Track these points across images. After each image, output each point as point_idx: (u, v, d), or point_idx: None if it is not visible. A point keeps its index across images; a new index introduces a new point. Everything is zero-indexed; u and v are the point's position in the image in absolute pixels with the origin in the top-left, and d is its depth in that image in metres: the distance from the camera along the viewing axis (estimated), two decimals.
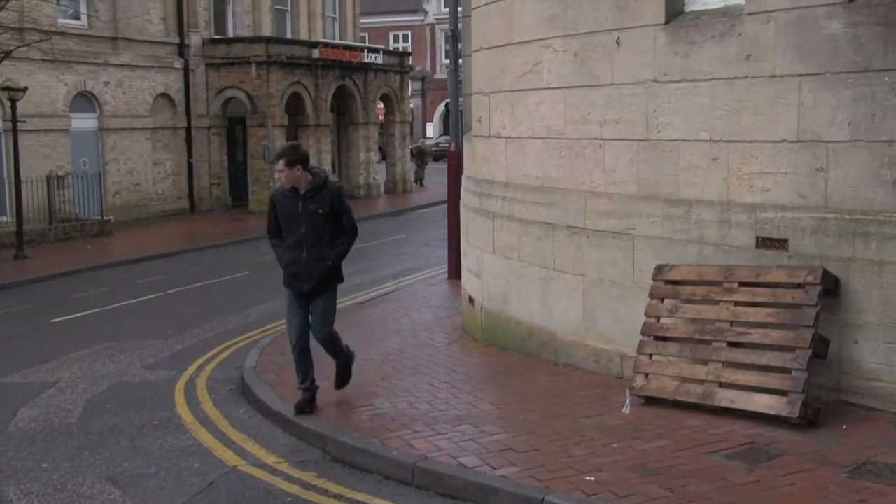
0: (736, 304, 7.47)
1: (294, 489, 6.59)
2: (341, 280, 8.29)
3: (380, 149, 39.40)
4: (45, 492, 6.84)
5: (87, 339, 12.62)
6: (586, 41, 8.80)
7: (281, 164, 7.94)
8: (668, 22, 8.10)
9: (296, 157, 7.96)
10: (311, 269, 7.98)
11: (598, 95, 8.73)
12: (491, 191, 10.36)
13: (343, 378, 8.71)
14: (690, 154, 8.00)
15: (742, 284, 7.47)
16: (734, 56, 7.62)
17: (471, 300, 11.00)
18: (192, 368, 10.67)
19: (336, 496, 6.43)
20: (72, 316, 14.70)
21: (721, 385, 7.33)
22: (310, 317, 8.20)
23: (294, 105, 32.21)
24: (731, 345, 7.41)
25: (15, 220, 21.82)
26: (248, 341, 11.88)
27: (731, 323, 7.46)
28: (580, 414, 7.60)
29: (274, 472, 6.98)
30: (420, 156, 41.97)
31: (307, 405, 8.10)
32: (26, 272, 19.59)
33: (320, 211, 7.95)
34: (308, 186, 8.00)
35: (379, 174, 37.54)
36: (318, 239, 7.99)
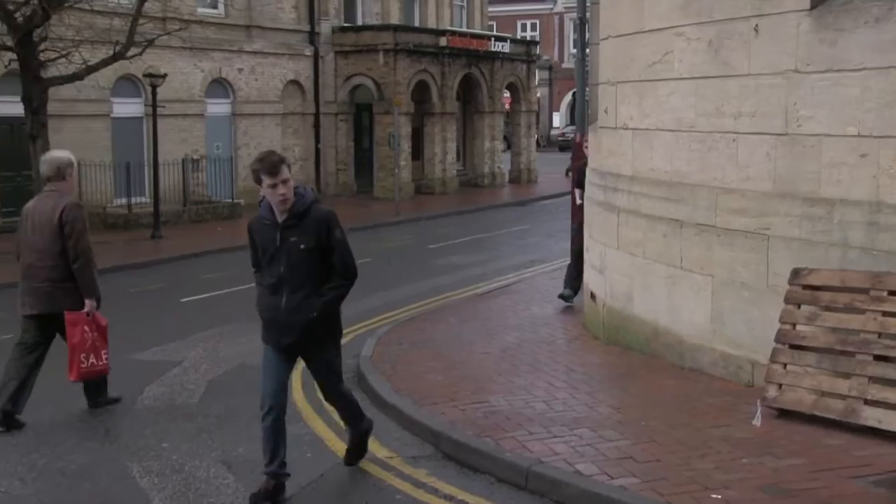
0: (885, 314, 6.89)
1: (404, 486, 6.46)
2: (340, 333, 6.64)
3: (505, 138, 39.20)
4: (163, 472, 6.90)
5: (212, 319, 12.81)
6: (721, 29, 8.40)
7: (286, 171, 6.07)
8: (813, 7, 7.64)
9: (288, 165, 6.15)
10: (290, 319, 6.18)
11: (733, 86, 8.32)
12: (616, 184, 10.05)
13: (359, 450, 6.89)
14: (835, 150, 7.52)
15: (893, 293, 6.91)
16: (890, 43, 7.11)
17: (593, 296, 10.72)
18: None
19: (446, 497, 6.27)
20: (200, 296, 14.99)
21: (866, 402, 6.79)
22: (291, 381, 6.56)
23: (420, 93, 32.28)
24: (879, 358, 6.85)
25: (152, 201, 22.45)
26: (365, 330, 11.85)
27: (879, 335, 6.89)
28: (706, 423, 7.22)
29: (385, 466, 6.87)
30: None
31: (269, 496, 6.15)
32: (161, 252, 20.14)
33: (302, 246, 6.11)
34: (287, 213, 6.14)
35: (503, 163, 37.35)
36: (299, 282, 6.15)
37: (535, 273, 16.09)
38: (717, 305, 8.53)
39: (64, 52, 18.95)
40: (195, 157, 26.34)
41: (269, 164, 6.03)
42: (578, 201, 12.06)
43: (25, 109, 18.91)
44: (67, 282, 7.98)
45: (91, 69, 19.47)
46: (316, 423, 8.04)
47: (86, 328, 8.09)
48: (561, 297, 12.37)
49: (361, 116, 32.99)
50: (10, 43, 18.51)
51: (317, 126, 31.40)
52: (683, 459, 6.40)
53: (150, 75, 21.84)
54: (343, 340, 11.09)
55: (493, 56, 35.40)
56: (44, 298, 8.02)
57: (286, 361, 6.39)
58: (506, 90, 37.48)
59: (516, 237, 22.24)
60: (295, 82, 30.63)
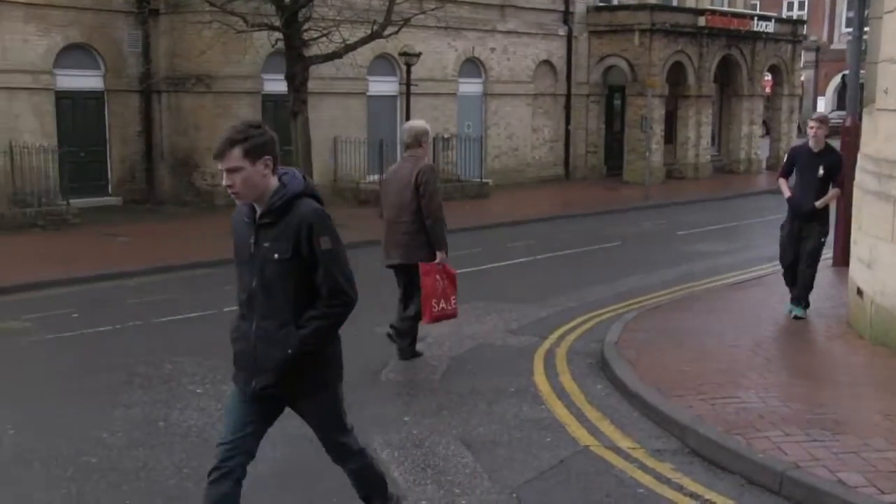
0: None
1: (647, 480, 6.19)
2: (337, 375, 4.94)
3: (764, 123, 37.52)
4: (404, 445, 6.95)
5: (460, 295, 12.86)
6: None
7: (237, 156, 4.42)
8: None
9: (260, 144, 4.46)
10: (258, 352, 4.62)
11: None
12: (893, 172, 9.25)
13: None
14: None
15: None
16: None
17: (859, 292, 9.96)
18: (553, 337, 10.53)
19: (692, 495, 5.95)
20: None
21: None
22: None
23: (675, 74, 31.36)
24: None
25: None
26: (612, 314, 11.55)
27: None
28: None
29: (627, 458, 6.61)
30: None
31: None
32: None
33: (276, 255, 4.52)
34: (264, 206, 4.56)
35: (760, 149, 35.79)
36: (272, 305, 4.58)
37: None
38: None
39: (325, 32, 19.63)
40: (446, 135, 26.75)
41: (219, 144, 4.47)
42: (787, 193, 10.62)
43: (288, 87, 19.74)
44: (422, 235, 8.90)
45: (349, 48, 20.08)
46: (556, 407, 7.88)
47: (437, 277, 8.96)
48: (796, 317, 10.62)
49: (613, 98, 32.47)
50: (277, 23, 19.36)
51: (567, 107, 31.16)
52: None
53: (405, 54, 22.30)
54: (587, 325, 11.23)
55: (755, 36, 33.87)
56: (402, 250, 9.03)
57: (258, 412, 4.75)
58: (767, 72, 35.82)
59: (771, 227, 20.92)
60: (547, 62, 30.50)
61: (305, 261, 4.52)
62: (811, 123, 10.53)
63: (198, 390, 8.40)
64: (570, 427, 7.34)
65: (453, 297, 9.11)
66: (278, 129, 18.95)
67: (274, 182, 4.53)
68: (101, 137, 22.72)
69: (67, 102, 21.94)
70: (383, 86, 26.07)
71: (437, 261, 8.96)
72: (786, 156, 10.64)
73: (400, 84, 25.12)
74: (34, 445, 6.97)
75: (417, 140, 9.02)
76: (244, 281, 4.66)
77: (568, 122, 31.16)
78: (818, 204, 10.31)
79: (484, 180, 26.80)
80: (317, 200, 4.64)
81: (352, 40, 20.18)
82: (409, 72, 22.37)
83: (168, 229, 19.64)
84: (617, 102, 32.35)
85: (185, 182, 23.07)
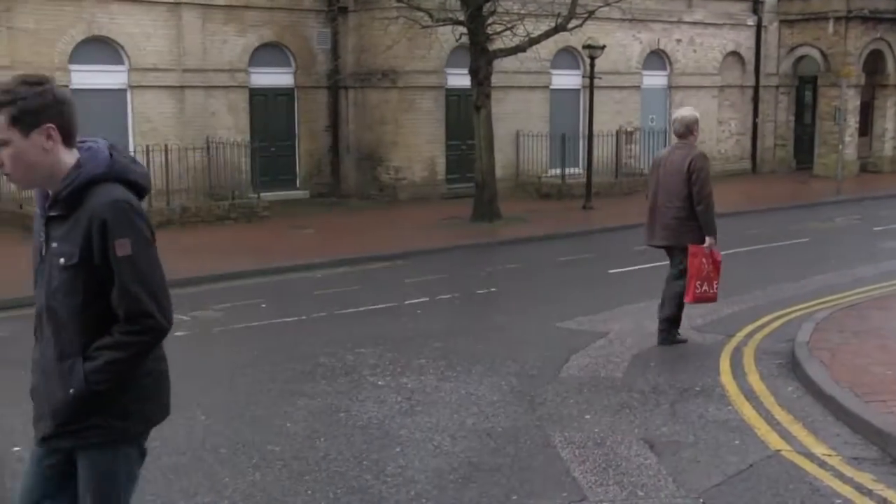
0: None
1: (845, 490, 5.83)
2: (135, 433, 3.47)
3: None
4: (585, 444, 6.81)
5: (640, 292, 12.58)
6: None
7: (1, 125, 3.22)
8: None
9: (35, 108, 3.23)
10: (41, 384, 3.44)
11: None
12: None
13: None
14: None
15: None
16: None
17: None
18: (740, 335, 10.15)
19: None
20: (629, 268, 14.84)
21: None
22: None
23: (873, 63, 29.86)
24: None
25: (585, 172, 22.75)
26: (801, 313, 11.05)
27: None
28: None
29: (822, 465, 6.26)
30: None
31: None
32: (591, 222, 20.34)
33: (62, 260, 3.32)
34: (55, 192, 3.35)
35: None
36: (56, 326, 3.37)
37: None
38: None
39: (509, 25, 19.63)
40: (629, 129, 26.32)
41: None
42: None
43: (472, 81, 19.84)
44: (690, 220, 9.30)
45: (533, 41, 20.00)
46: (743, 408, 7.57)
47: (703, 260, 9.29)
48: None
49: (804, 89, 31.19)
50: (461, 18, 19.49)
51: (755, 99, 30.16)
52: None
53: (588, 47, 22.03)
54: (775, 324, 10.79)
55: None
56: (670, 232, 9.49)
57: (55, 477, 3.46)
58: None
59: None
60: (735, 53, 29.59)
61: (99, 270, 3.27)
62: None
63: (379, 382, 8.51)
64: (760, 430, 7.02)
65: (716, 281, 9.46)
66: (462, 123, 19.24)
67: (69, 159, 3.31)
68: (291, 133, 23.50)
69: (260, 99, 22.80)
70: (566, 79, 25.90)
71: (706, 244, 9.29)
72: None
73: (583, 77, 24.88)
74: (223, 431, 7.20)
75: (689, 129, 9.48)
76: (36, 293, 3.45)
77: (756, 114, 30.17)
78: None
79: None
80: (132, 186, 3.38)
81: (535, 34, 20.09)
82: (592, 65, 22.09)
83: (352, 222, 20.10)
84: (808, 94, 31.04)
85: (370, 176, 23.55)
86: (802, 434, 6.90)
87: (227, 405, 7.94)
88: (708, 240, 9.30)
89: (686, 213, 9.32)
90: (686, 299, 9.54)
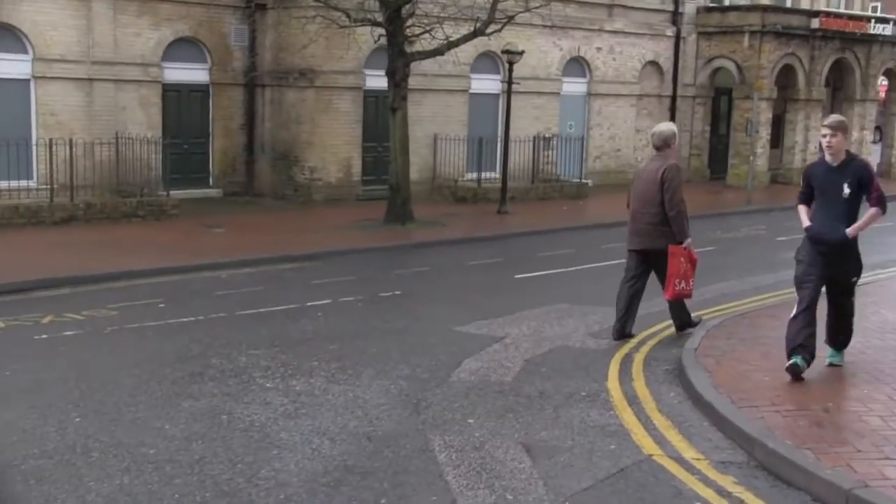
0: None
1: (707, 493, 5.95)
2: None
3: (877, 128, 36.23)
4: (463, 448, 6.85)
5: (542, 298, 12.72)
6: None
7: None
8: None
9: None
10: None
11: None
12: None
13: None
14: None
15: None
16: None
17: None
18: (633, 341, 10.30)
19: None
20: (534, 274, 14.95)
21: None
22: None
23: (785, 77, 30.54)
24: None
25: (501, 177, 22.84)
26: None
27: None
28: None
29: (690, 469, 6.38)
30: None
31: None
32: (505, 227, 20.42)
33: None
34: None
35: (872, 155, 34.53)
36: None
37: (893, 274, 14.63)
38: None
39: (428, 28, 19.63)
40: (547, 135, 26.51)
41: None
42: (806, 222, 8.47)
43: (389, 82, 19.79)
44: (663, 225, 10.00)
45: (452, 45, 20.03)
46: (624, 413, 7.68)
47: (681, 259, 10.00)
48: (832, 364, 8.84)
49: (720, 100, 31.77)
50: (380, 19, 19.44)
51: (673, 109, 30.58)
52: None
53: (507, 52, 22.14)
54: (670, 330, 10.93)
55: (872, 39, 32.68)
56: (644, 237, 10.24)
57: None
58: (882, 77, 34.55)
59: (874, 234, 20.13)
60: (654, 63, 30.00)
61: None
62: (823, 131, 8.21)
63: (267, 384, 8.45)
64: (636, 435, 7.13)
65: (692, 278, 10.20)
66: (379, 125, 19.18)
67: None
68: (205, 130, 23.21)
69: (173, 95, 22.47)
70: (486, 83, 25.98)
71: (683, 245, 10.03)
72: (801, 177, 8.73)
73: (503, 82, 24.94)
74: (97, 434, 7.07)
75: (666, 142, 10.22)
76: None
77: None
78: (850, 232, 8.10)
79: (583, 181, 26.53)
80: None
81: (455, 37, 20.13)
82: (510, 70, 22.21)
83: (264, 222, 19.92)
84: (724, 105, 31.63)
85: (285, 176, 23.38)
86: (676, 439, 7.03)
87: (107, 407, 7.78)
88: (687, 241, 10.05)
89: (659, 219, 10.00)
90: (666, 296, 10.34)
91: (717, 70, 30.83)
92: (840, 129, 8.12)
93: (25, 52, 20.20)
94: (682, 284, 10.12)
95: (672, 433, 7.15)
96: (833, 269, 8.28)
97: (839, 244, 8.17)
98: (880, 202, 8.14)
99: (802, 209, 8.61)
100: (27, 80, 20.30)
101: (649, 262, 10.36)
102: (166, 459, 6.53)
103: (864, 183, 8.13)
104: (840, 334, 8.68)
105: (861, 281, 13.66)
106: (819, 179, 8.29)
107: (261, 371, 8.89)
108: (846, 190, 8.10)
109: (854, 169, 8.15)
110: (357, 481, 6.19)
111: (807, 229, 8.42)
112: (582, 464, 6.52)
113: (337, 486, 6.09)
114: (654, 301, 12.56)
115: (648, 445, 6.87)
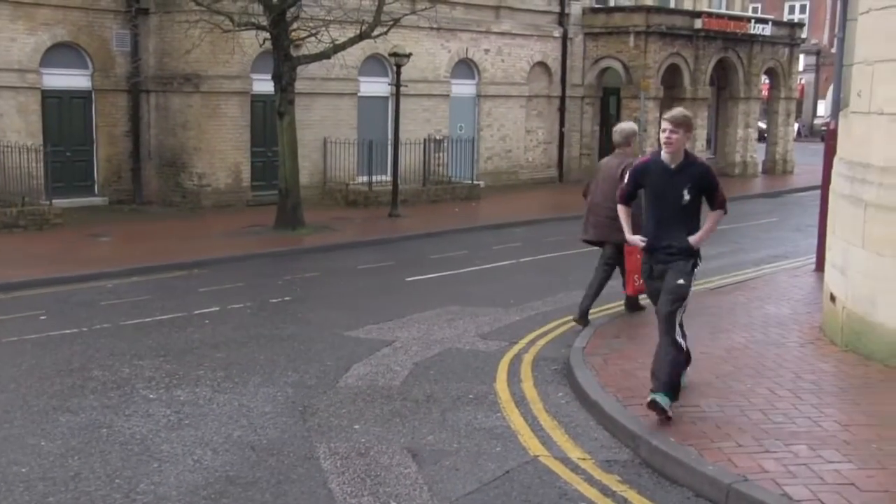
0: None
1: (591, 493, 5.98)
2: None
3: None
4: (348, 454, 6.76)
5: (433, 300, 12.69)
6: None
7: None
8: None
9: None
10: None
11: None
12: (865, 176, 9.04)
13: None
14: None
15: None
16: None
17: (832, 298, 9.75)
18: (523, 342, 10.34)
19: None
20: (426, 276, 14.92)
21: None
22: None
23: (671, 77, 31.13)
24: None
25: (392, 180, 22.75)
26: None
27: None
28: None
29: (575, 469, 6.41)
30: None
31: None
32: (396, 230, 20.31)
33: None
34: None
35: (757, 153, 35.54)
36: None
37: (777, 269, 15.02)
38: None
39: (314, 32, 19.41)
40: (438, 137, 26.53)
41: None
42: (629, 234, 7.94)
43: (275, 87, 19.53)
44: (619, 220, 9.01)
45: (338, 48, 19.85)
46: (512, 415, 7.69)
47: (638, 255, 9.07)
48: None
49: (608, 100, 32.26)
50: (265, 23, 19.17)
51: (562, 109, 30.92)
52: None
53: (395, 55, 22.08)
54: (560, 330, 11.03)
55: (752, 39, 33.59)
56: (601, 230, 10.82)
57: None
58: (764, 75, 35.57)
59: (762, 230, 20.97)
60: (542, 64, 30.27)
61: None
62: (663, 125, 7.31)
63: (150, 395, 8.22)
64: (523, 436, 7.14)
65: None
66: (268, 130, 18.87)
67: None
68: (88, 137, 22.52)
69: (54, 101, 21.77)
70: (375, 86, 25.84)
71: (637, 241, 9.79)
72: (627, 173, 7.96)
73: (391, 85, 24.83)
74: None
75: (626, 139, 10.68)
76: None
77: (562, 124, 30.93)
78: (694, 241, 7.33)
79: (475, 182, 26.61)
80: None
81: (341, 40, 19.96)
82: (398, 73, 22.14)
83: (152, 230, 19.44)
84: (612, 104, 32.11)
85: (173, 183, 22.88)
86: (563, 439, 7.05)
87: None
88: (639, 238, 9.16)
89: (616, 214, 8.83)
90: (626, 291, 10.92)
91: (604, 70, 31.28)
92: (683, 124, 7.24)
93: None
94: (641, 280, 10.12)
95: (558, 433, 7.18)
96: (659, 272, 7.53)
97: (676, 250, 7.33)
98: (724, 205, 7.53)
99: (623, 211, 7.86)
100: None
101: (612, 254, 10.86)
102: (39, 477, 6.29)
103: (709, 193, 7.43)
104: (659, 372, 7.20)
105: (747, 276, 14.05)
106: (654, 181, 7.42)
107: (144, 382, 8.65)
108: (686, 196, 7.29)
109: (696, 175, 7.34)
110: (239, 492, 6.05)
111: (645, 243, 7.56)
112: (467, 467, 6.49)
113: (217, 499, 5.94)
114: (549, 300, 12.72)
115: (535, 446, 6.88)
